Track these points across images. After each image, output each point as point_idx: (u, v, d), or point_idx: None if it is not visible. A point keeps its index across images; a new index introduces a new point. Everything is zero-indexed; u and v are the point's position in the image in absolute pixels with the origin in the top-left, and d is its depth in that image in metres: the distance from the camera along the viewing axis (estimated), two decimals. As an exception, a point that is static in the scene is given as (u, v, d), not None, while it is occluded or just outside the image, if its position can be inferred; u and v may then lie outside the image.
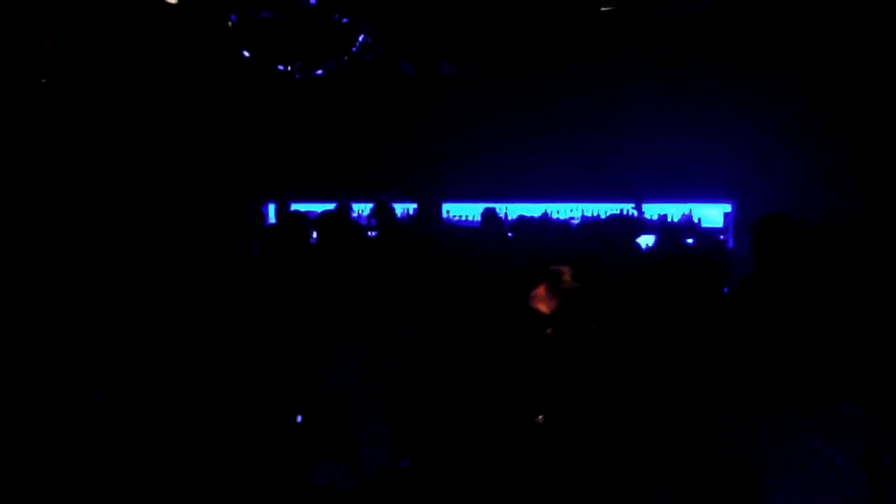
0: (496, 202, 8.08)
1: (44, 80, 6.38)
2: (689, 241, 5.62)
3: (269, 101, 8.83)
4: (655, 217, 7.72)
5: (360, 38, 4.95)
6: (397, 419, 2.43)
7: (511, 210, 7.99)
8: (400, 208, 8.51)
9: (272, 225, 6.39)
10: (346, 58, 5.11)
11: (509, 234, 5.89)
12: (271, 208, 9.27)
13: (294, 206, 7.30)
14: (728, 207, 7.31)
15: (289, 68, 5.01)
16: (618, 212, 7.87)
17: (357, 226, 4.48)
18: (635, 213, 7.36)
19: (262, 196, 9.17)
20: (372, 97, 8.35)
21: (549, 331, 1.64)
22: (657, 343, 2.98)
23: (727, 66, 7.00)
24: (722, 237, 7.16)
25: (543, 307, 1.66)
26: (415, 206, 8.13)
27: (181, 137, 8.29)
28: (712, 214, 7.34)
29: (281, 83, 6.20)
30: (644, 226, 6.95)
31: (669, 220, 7.70)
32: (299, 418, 2.37)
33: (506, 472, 1.75)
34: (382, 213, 6.26)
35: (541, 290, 1.70)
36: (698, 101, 7.37)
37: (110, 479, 2.22)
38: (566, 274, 1.76)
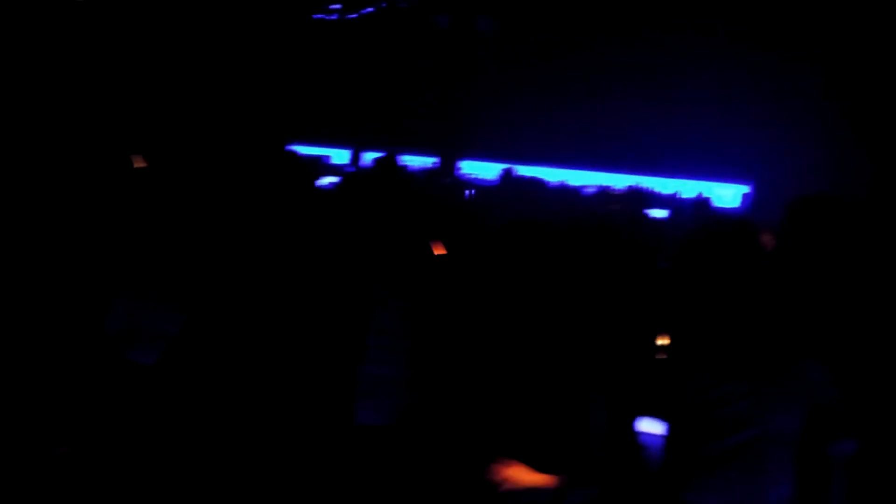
0: (514, 164, 8.10)
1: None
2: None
3: (297, 42, 8.78)
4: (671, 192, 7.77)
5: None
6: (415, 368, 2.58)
7: (526, 174, 8.01)
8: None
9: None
10: (384, 3, 5.12)
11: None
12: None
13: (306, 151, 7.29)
14: (746, 188, 7.34)
15: (329, 9, 5.02)
16: (634, 184, 7.91)
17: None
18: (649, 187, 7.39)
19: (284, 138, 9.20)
20: (402, 47, 8.29)
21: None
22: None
23: (754, 42, 6.93)
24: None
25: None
26: (434, 161, 8.18)
27: (201, 81, 8.26)
28: (728, 194, 7.37)
29: (312, 25, 6.18)
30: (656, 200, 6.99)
31: (681, 196, 7.74)
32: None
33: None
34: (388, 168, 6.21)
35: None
36: (722, 76, 7.32)
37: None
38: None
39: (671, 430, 2.11)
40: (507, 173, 6.74)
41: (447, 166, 7.79)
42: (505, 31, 7.12)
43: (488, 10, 6.66)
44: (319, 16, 5.23)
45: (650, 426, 3.62)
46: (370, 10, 5.10)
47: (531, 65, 8.11)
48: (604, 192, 6.47)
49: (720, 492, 1.95)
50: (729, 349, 1.95)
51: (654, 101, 7.59)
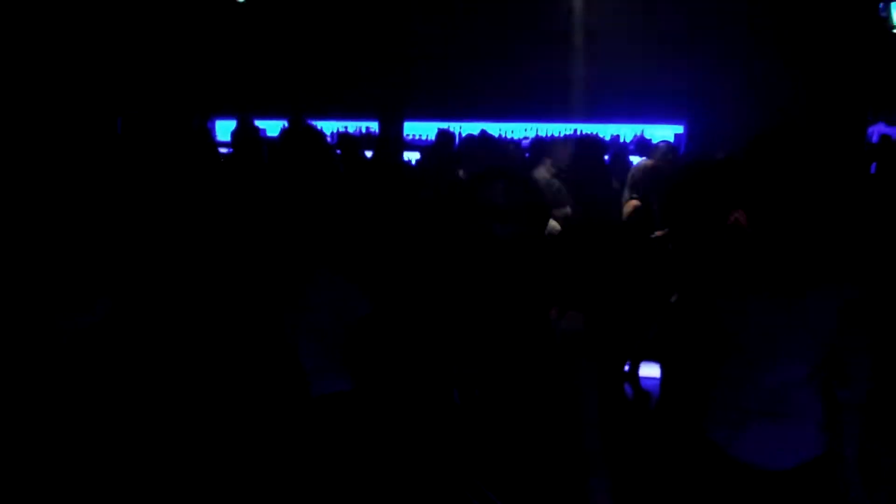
0: (454, 121, 8.10)
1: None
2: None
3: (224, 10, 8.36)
4: (608, 137, 8.00)
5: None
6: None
7: (466, 129, 8.01)
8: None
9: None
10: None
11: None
12: (219, 124, 8.89)
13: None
14: (680, 128, 7.63)
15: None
16: (572, 132, 8.08)
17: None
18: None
19: (211, 110, 8.73)
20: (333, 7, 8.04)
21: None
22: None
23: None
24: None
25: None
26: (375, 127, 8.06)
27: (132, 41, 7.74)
28: (664, 134, 7.63)
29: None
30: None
31: (622, 140, 7.99)
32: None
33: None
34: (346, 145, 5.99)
35: None
36: (653, 19, 7.51)
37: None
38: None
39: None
40: (444, 132, 6.74)
41: (388, 129, 7.69)
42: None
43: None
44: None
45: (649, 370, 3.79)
46: None
47: (464, 24, 8.06)
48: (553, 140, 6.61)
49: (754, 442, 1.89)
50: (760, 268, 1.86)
51: (587, 50, 7.72)
